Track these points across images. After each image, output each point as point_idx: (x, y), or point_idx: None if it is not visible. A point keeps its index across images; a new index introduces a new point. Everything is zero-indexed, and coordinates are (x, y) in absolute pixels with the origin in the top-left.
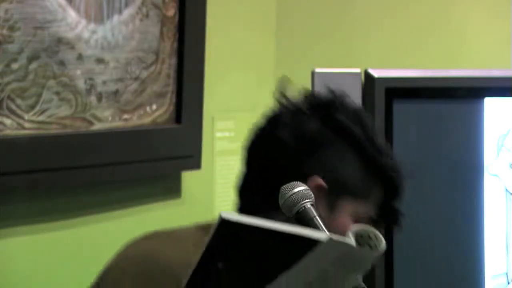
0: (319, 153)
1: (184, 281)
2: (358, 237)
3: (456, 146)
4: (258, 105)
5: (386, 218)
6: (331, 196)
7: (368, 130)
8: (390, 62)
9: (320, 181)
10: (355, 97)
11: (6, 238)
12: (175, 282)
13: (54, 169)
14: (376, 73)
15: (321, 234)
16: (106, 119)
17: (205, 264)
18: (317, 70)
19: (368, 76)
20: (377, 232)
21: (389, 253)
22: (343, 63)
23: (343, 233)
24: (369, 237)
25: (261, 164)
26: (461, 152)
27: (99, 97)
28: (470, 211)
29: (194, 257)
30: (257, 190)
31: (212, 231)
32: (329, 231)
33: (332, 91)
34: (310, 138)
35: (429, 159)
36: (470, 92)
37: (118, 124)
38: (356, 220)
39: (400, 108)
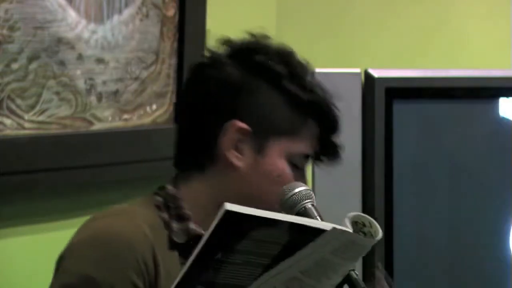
0: (242, 97)
1: (183, 269)
2: (353, 224)
3: (456, 146)
4: None
5: (323, 153)
6: (257, 139)
7: (293, 68)
8: (390, 62)
9: (241, 124)
10: (355, 97)
11: (6, 238)
12: (134, 253)
13: (54, 169)
14: (376, 73)
15: (325, 224)
16: (106, 119)
17: (205, 255)
18: (317, 70)
19: (368, 76)
20: (372, 220)
21: (389, 253)
22: (343, 63)
23: (273, 174)
24: (364, 225)
25: (188, 117)
26: (461, 152)
27: (99, 97)
28: (469, 211)
29: (145, 230)
30: (188, 144)
31: (215, 222)
32: (258, 174)
33: (253, 35)
34: (230, 84)
35: (429, 159)
36: (470, 92)
37: (118, 124)
38: (290, 160)
39: (400, 108)
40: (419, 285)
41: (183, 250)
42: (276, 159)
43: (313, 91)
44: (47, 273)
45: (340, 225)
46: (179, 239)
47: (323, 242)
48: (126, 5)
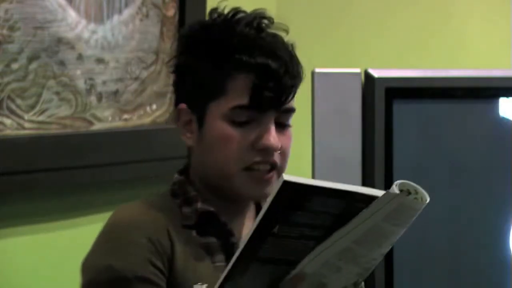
0: (179, 80)
1: (241, 245)
2: (400, 191)
3: (456, 146)
4: None
5: (259, 101)
6: (196, 113)
7: (211, 29)
8: (390, 62)
9: (181, 106)
10: (355, 97)
11: (6, 238)
12: (146, 235)
13: (54, 169)
14: (376, 73)
15: (376, 191)
16: (106, 119)
17: (261, 231)
18: (317, 70)
19: (368, 76)
20: (418, 186)
21: (389, 253)
22: (343, 63)
23: (216, 139)
24: (409, 192)
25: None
26: (461, 152)
27: (99, 97)
28: (469, 211)
29: (157, 213)
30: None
31: (273, 194)
32: (207, 145)
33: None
34: (176, 71)
35: (429, 159)
36: (470, 92)
37: (118, 124)
38: (229, 119)
39: (400, 108)
40: (419, 285)
41: (198, 229)
42: (214, 124)
43: (230, 46)
44: (47, 273)
45: None
46: (190, 221)
47: (376, 208)
48: (126, 5)
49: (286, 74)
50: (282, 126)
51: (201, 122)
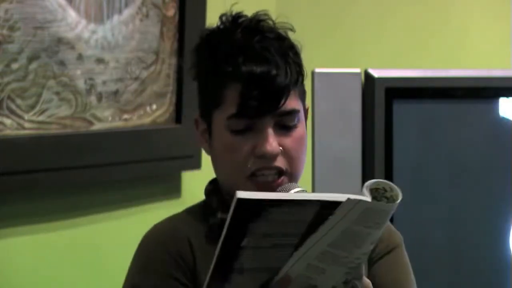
0: (199, 93)
1: (211, 266)
2: (374, 191)
3: (456, 146)
4: None
5: (246, 107)
6: (206, 121)
7: (208, 41)
8: (390, 62)
9: (195, 116)
10: (355, 97)
11: (6, 238)
12: (167, 249)
13: (54, 169)
14: (376, 73)
15: (340, 196)
16: (106, 119)
17: (229, 245)
18: (317, 70)
19: (368, 76)
20: (392, 184)
21: None
22: (343, 63)
23: (222, 149)
24: (385, 190)
25: None
26: (461, 152)
27: (99, 97)
28: (469, 211)
29: (179, 225)
30: None
31: (231, 211)
32: (215, 154)
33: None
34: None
35: (429, 159)
36: (470, 92)
37: (118, 124)
38: (229, 128)
39: (400, 108)
40: (419, 285)
41: None
42: (218, 133)
43: (223, 55)
44: (47, 273)
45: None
46: (213, 232)
47: (341, 214)
48: (126, 5)
49: (276, 77)
50: (286, 128)
51: (209, 131)
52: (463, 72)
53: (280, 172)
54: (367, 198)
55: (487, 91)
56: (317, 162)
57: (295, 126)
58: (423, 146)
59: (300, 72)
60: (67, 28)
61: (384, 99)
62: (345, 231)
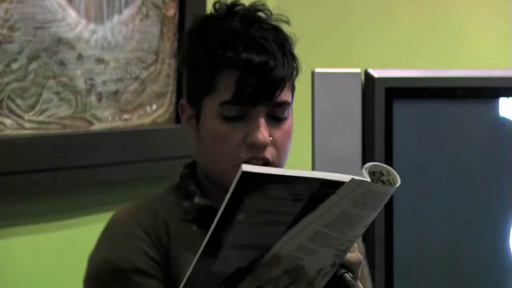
0: (184, 75)
1: (208, 233)
2: (371, 174)
3: (456, 146)
4: None
5: (242, 95)
6: (194, 109)
7: (202, 28)
8: (390, 62)
9: (181, 101)
10: (355, 97)
11: (6, 238)
12: (142, 227)
13: (54, 169)
14: (376, 73)
15: (343, 176)
16: (106, 119)
17: (224, 219)
18: (317, 70)
19: (368, 76)
20: (390, 168)
21: (389, 253)
22: (343, 63)
23: (209, 136)
24: (382, 174)
25: None
26: (461, 152)
27: (99, 97)
28: (469, 211)
29: (155, 207)
30: None
31: (233, 184)
32: (202, 141)
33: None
34: (182, 67)
35: (429, 159)
36: (470, 92)
37: (118, 124)
38: (221, 115)
39: (400, 108)
40: (419, 284)
41: (198, 222)
42: (207, 120)
43: (219, 41)
44: (47, 273)
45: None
46: (188, 216)
47: (343, 194)
48: (126, 5)
49: (273, 68)
50: (276, 120)
51: (198, 117)
52: (463, 72)
53: (267, 163)
54: (367, 179)
55: (487, 91)
56: (317, 162)
57: (285, 118)
58: (423, 146)
59: (295, 66)
60: (67, 28)
61: (384, 99)
62: (343, 212)
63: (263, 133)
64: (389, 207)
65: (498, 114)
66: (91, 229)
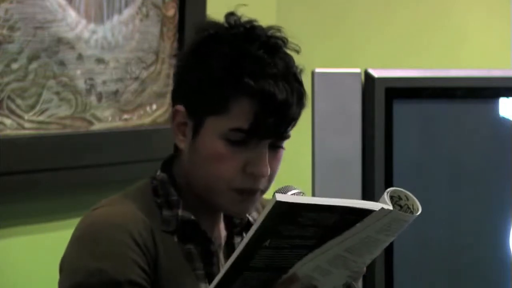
0: (181, 81)
1: (232, 259)
2: (390, 199)
3: (456, 146)
4: None
5: (259, 129)
6: (194, 120)
7: (229, 46)
8: (390, 62)
9: (178, 107)
10: (355, 97)
11: (6, 238)
12: (131, 236)
13: (54, 169)
14: (376, 73)
15: (372, 204)
16: (106, 119)
17: (251, 245)
18: (317, 70)
19: (368, 76)
20: (409, 193)
21: (389, 253)
22: (343, 63)
23: (206, 153)
24: (400, 198)
25: None
26: (461, 152)
27: (99, 97)
28: (469, 211)
29: (141, 215)
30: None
31: (266, 212)
32: (196, 155)
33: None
34: (176, 73)
35: (429, 159)
36: (470, 92)
37: (118, 124)
38: (225, 137)
39: (400, 108)
40: (419, 285)
41: (179, 235)
42: (208, 138)
43: (241, 67)
44: (47, 273)
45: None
46: (169, 227)
47: (370, 222)
48: (126, 5)
49: (292, 106)
50: (275, 148)
51: (196, 130)
52: (463, 72)
53: (259, 193)
54: (389, 206)
55: (487, 91)
56: (317, 162)
57: (281, 148)
58: (423, 146)
59: (305, 103)
60: (67, 28)
61: (384, 99)
62: (366, 238)
63: (267, 166)
64: None
65: (498, 114)
66: None
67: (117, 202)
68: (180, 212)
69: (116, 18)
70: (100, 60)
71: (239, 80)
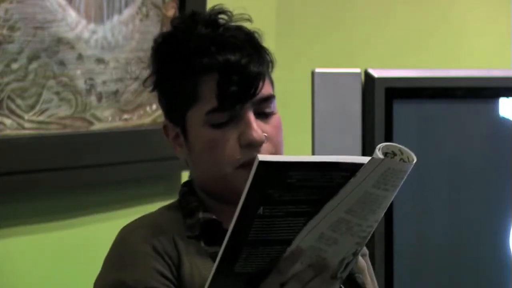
0: (160, 96)
1: (228, 232)
2: (384, 155)
3: (456, 146)
4: None
5: (228, 98)
6: (178, 123)
7: (171, 39)
8: (390, 62)
9: (163, 121)
10: (355, 97)
11: (6, 238)
12: (152, 245)
13: (54, 169)
14: (376, 73)
15: (361, 158)
16: (106, 119)
17: (244, 215)
18: (317, 70)
19: (368, 76)
20: (402, 147)
21: (389, 253)
22: (343, 63)
23: (203, 146)
24: (394, 153)
25: None
26: (461, 152)
27: (99, 97)
28: (469, 211)
29: (163, 224)
30: None
31: (251, 176)
32: (197, 154)
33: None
34: (157, 90)
35: (429, 159)
36: (470, 92)
37: (118, 124)
38: (208, 123)
39: (400, 108)
40: (419, 285)
41: (205, 238)
42: (195, 132)
43: (190, 50)
44: (47, 273)
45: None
46: (194, 232)
47: (363, 175)
48: (126, 5)
49: (250, 63)
50: (265, 115)
51: (185, 133)
52: (463, 72)
53: None
54: (390, 158)
55: (487, 91)
56: None
57: (272, 113)
58: (423, 146)
59: (269, 59)
60: (67, 28)
61: (384, 99)
62: (364, 194)
63: (257, 130)
64: (389, 207)
65: (498, 114)
66: (91, 229)
67: (143, 218)
68: (201, 214)
69: (116, 18)
70: (100, 60)
71: (193, 63)
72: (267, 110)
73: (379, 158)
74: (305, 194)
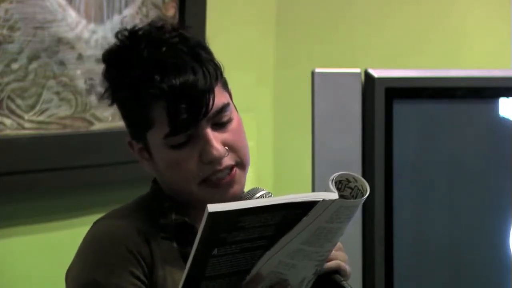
0: (124, 117)
1: (185, 271)
2: (337, 184)
3: (456, 146)
4: (258, 105)
5: (179, 124)
6: (140, 142)
7: (123, 67)
8: (390, 62)
9: (126, 139)
10: (355, 97)
11: (6, 238)
12: (127, 246)
13: (54, 169)
14: (376, 73)
15: (311, 196)
16: (106, 119)
17: (199, 256)
18: (317, 70)
19: (368, 76)
20: (356, 175)
21: (389, 253)
22: (343, 63)
23: (167, 164)
24: (348, 181)
25: None
26: (461, 152)
27: (99, 97)
28: (469, 211)
29: (137, 225)
30: None
31: (202, 226)
32: (161, 169)
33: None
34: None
35: (429, 159)
36: (470, 92)
37: (118, 124)
38: (167, 145)
39: (400, 108)
40: (419, 285)
41: (178, 239)
42: (157, 151)
43: (137, 78)
44: (47, 273)
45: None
46: (167, 233)
47: (316, 214)
48: (126, 5)
49: (197, 82)
50: (222, 125)
51: (147, 150)
52: (463, 72)
53: (231, 167)
54: (334, 193)
55: (487, 91)
56: (317, 162)
57: (230, 120)
58: (423, 146)
59: (216, 67)
60: (67, 28)
61: (384, 99)
62: (318, 229)
63: (217, 147)
64: (389, 207)
65: (498, 114)
66: None
67: (116, 215)
68: (173, 216)
69: (116, 18)
70: (100, 60)
71: (141, 93)
72: (224, 119)
73: (329, 200)
74: (259, 232)
